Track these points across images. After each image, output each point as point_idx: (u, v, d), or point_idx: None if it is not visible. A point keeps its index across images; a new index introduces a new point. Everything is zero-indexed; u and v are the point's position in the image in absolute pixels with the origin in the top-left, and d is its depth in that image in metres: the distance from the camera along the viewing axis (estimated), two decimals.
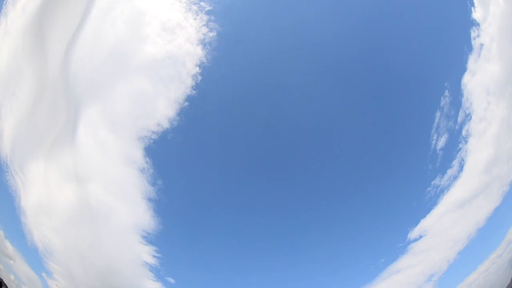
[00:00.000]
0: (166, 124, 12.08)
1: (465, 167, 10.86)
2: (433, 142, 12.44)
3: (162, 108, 11.76)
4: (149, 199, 12.81)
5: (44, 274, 9.07)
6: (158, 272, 11.51)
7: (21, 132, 8.03)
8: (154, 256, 11.77)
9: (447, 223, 11.56)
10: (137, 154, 12.12)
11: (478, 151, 10.51)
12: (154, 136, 12.42)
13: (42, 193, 8.53)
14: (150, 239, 11.86)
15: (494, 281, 10.89)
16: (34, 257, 8.98)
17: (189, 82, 12.25)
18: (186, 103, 13.06)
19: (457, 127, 11.07)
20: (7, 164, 8.16)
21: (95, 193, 10.57)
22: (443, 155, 11.95)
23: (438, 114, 12.25)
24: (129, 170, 11.80)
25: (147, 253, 11.42)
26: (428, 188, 12.31)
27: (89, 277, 9.16)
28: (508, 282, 10.96)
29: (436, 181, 12.27)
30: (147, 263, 11.49)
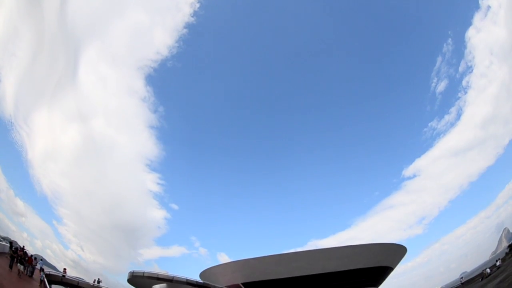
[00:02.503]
0: (165, 52, 13.81)
1: (463, 117, 11.98)
2: (433, 84, 13.81)
3: (160, 37, 13.41)
4: (151, 127, 14.56)
5: (54, 222, 10.35)
6: (162, 200, 12.96)
7: (23, 85, 9.01)
8: (158, 184, 13.31)
9: (441, 168, 12.61)
10: (138, 84, 13.88)
11: (477, 105, 11.55)
12: (153, 65, 14.18)
13: (47, 139, 9.71)
14: (153, 166, 13.43)
15: (481, 241, 11.75)
16: (44, 206, 10.21)
17: (187, 9, 13.98)
18: (185, 30, 14.80)
19: (457, 76, 12.29)
20: (11, 122, 9.20)
21: (98, 128, 12.11)
22: (442, 100, 13.22)
23: (439, 58, 13.55)
24: (130, 100, 13.49)
25: (151, 181, 12.96)
26: (425, 129, 13.59)
27: (97, 214, 10.42)
28: (494, 248, 11.78)
29: (433, 124, 13.51)
30: (151, 191, 13.03)
